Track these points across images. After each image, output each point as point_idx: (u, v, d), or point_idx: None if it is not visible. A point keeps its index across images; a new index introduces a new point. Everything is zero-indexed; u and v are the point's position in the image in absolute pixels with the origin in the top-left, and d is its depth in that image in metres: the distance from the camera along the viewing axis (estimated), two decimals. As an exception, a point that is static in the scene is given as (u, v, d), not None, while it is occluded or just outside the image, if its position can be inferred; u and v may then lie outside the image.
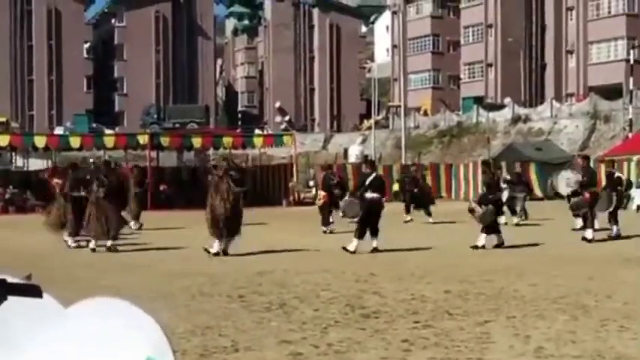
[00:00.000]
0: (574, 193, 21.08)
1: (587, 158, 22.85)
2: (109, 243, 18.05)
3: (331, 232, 22.74)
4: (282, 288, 11.89)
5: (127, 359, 1.45)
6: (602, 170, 28.42)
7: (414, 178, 29.64)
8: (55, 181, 20.03)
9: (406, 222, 26.57)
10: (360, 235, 17.11)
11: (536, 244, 18.41)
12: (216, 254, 16.48)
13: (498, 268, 14.06)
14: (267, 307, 10.18)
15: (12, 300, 1.46)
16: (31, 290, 1.54)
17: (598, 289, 11.40)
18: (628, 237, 20.45)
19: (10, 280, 1.48)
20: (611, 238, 19.70)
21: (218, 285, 12.31)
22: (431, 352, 7.64)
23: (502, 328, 8.74)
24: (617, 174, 22.57)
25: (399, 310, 9.93)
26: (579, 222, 21.72)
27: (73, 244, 19.12)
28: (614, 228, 20.39)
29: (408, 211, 27.85)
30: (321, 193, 24.55)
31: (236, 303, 10.60)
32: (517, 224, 24.16)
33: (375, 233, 17.17)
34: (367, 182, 17.81)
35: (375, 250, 16.87)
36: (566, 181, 23.41)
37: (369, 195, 17.49)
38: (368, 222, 17.28)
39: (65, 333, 1.51)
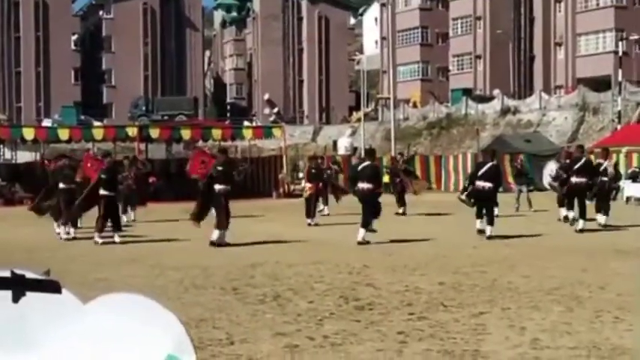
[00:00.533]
0: (561, 183, 21.32)
1: (581, 148, 22.87)
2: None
3: (316, 225, 22.67)
4: (276, 280, 11.87)
5: (146, 356, 1.42)
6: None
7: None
8: (89, 166, 19.89)
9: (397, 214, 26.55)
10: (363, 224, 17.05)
11: (529, 236, 18.43)
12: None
13: (492, 259, 14.07)
14: (261, 300, 10.16)
15: (30, 295, 1.42)
16: (50, 286, 1.51)
17: (592, 281, 11.42)
18: (620, 228, 20.53)
19: (29, 275, 1.45)
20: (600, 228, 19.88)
21: (211, 277, 12.27)
22: (426, 344, 7.63)
23: (497, 320, 8.74)
24: (605, 164, 22.59)
25: (393, 301, 9.91)
26: (563, 211, 21.97)
27: (67, 236, 19.12)
28: (600, 218, 20.51)
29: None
30: (307, 185, 24.44)
31: (230, 295, 10.57)
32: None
33: (363, 224, 17.03)
34: (358, 171, 17.74)
35: (361, 243, 16.75)
36: (548, 172, 23.70)
37: (360, 185, 17.32)
38: (362, 211, 17.19)
39: (83, 329, 1.47)
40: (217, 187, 17.17)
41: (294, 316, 9.06)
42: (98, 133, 41.07)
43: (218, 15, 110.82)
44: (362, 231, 16.96)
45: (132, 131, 39.96)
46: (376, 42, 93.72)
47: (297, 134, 70.15)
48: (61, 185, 19.54)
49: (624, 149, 39.91)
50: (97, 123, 62.45)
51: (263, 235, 18.50)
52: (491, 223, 17.89)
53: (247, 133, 43.88)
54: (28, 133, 40.28)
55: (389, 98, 62.99)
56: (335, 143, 63.58)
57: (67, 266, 14.02)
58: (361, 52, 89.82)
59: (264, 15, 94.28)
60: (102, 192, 18.32)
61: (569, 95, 60.37)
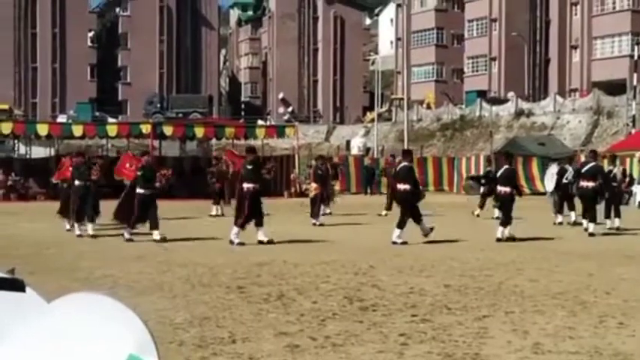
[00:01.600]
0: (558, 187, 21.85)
1: (593, 152, 22.88)
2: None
3: (321, 225, 22.61)
4: (281, 279, 11.89)
5: (108, 355, 1.43)
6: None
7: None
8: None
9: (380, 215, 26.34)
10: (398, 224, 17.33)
11: (536, 239, 18.38)
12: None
13: (499, 262, 14.05)
14: (266, 299, 10.18)
15: (-8, 294, 1.44)
16: (13, 284, 1.52)
17: (598, 286, 11.38)
18: (630, 233, 20.46)
19: (-8, 274, 1.47)
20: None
21: (217, 275, 12.30)
22: (428, 347, 7.63)
23: (500, 324, 8.72)
24: (614, 170, 22.76)
25: (397, 303, 9.91)
26: (559, 218, 22.82)
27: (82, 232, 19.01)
28: (610, 222, 20.85)
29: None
30: (313, 185, 24.39)
31: (235, 294, 10.59)
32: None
33: (398, 225, 17.25)
34: (395, 172, 18.35)
35: (395, 243, 16.95)
36: (549, 176, 23.89)
37: (400, 186, 17.61)
38: (400, 212, 17.57)
39: (45, 328, 1.49)
40: (246, 185, 17.22)
41: (298, 315, 9.07)
42: (112, 130, 41.22)
43: (234, 13, 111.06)
44: (397, 231, 17.15)
45: (146, 128, 40.07)
46: (391, 42, 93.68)
47: (310, 133, 70.19)
48: (77, 182, 19.43)
49: (638, 154, 39.76)
50: (111, 119, 62.68)
51: (272, 234, 18.50)
52: (504, 224, 18.05)
53: (260, 132, 43.93)
54: (42, 129, 40.46)
55: (403, 99, 62.94)
56: (348, 143, 63.60)
57: (75, 262, 14.10)
58: (376, 52, 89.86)
59: (280, 14, 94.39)
60: (139, 190, 18.13)
61: (584, 98, 60.17)
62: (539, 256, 14.98)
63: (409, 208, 17.33)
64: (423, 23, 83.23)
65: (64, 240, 18.27)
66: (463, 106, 68.99)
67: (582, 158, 38.60)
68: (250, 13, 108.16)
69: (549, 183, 24.56)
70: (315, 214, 23.36)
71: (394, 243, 16.94)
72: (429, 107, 73.17)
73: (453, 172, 46.96)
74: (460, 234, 18.86)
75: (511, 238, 17.77)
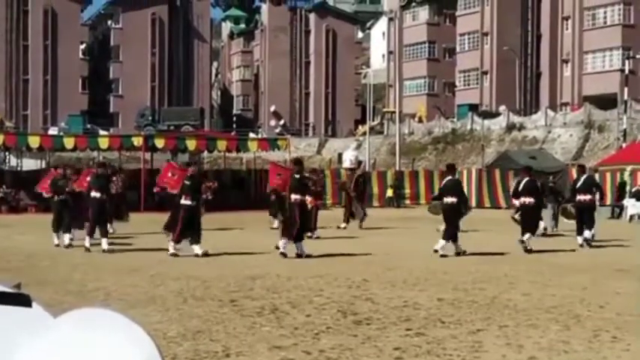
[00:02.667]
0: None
1: (582, 167, 23.41)
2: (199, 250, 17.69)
3: (317, 238, 22.52)
4: (274, 293, 11.85)
5: (117, 372, 1.42)
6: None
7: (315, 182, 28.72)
8: (209, 184, 19.28)
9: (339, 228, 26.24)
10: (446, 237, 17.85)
11: (529, 252, 18.38)
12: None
13: (492, 276, 14.04)
14: (259, 312, 10.14)
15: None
16: (20, 299, 1.51)
17: (591, 299, 11.38)
18: (623, 247, 20.50)
19: (-1, 289, 1.45)
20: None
21: (210, 289, 12.26)
22: (423, 361, 7.61)
23: (494, 337, 8.71)
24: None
25: (391, 317, 9.89)
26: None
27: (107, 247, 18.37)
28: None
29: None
30: (308, 198, 24.32)
31: (228, 307, 10.55)
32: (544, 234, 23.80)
33: (445, 237, 17.81)
34: (442, 187, 18.88)
35: (457, 254, 17.47)
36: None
37: (445, 199, 18.20)
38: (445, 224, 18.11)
39: (53, 344, 1.47)
40: (293, 197, 17.47)
41: (291, 329, 9.04)
42: (104, 142, 41.11)
43: (226, 26, 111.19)
44: (442, 242, 17.74)
45: (137, 141, 39.97)
46: (383, 56, 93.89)
47: (302, 146, 70.22)
48: (93, 194, 18.68)
49: (629, 168, 39.84)
50: (103, 132, 62.58)
51: (264, 247, 18.47)
52: (531, 231, 18.86)
53: (252, 145, 43.90)
54: (34, 141, 40.34)
55: (395, 112, 63.06)
56: (340, 156, 63.60)
57: (68, 275, 14.04)
58: (368, 65, 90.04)
59: (272, 27, 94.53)
60: (184, 201, 17.60)
61: (575, 112, 60.39)
62: (532, 270, 14.98)
63: (454, 221, 18.00)
64: (414, 37, 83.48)
65: (56, 252, 18.19)
66: (455, 120, 69.14)
67: (574, 172, 38.73)
68: (242, 26, 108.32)
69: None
70: (311, 227, 23.28)
71: (436, 251, 17.54)
72: (420, 121, 73.30)
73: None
74: (453, 248, 18.81)
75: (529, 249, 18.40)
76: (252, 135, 64.54)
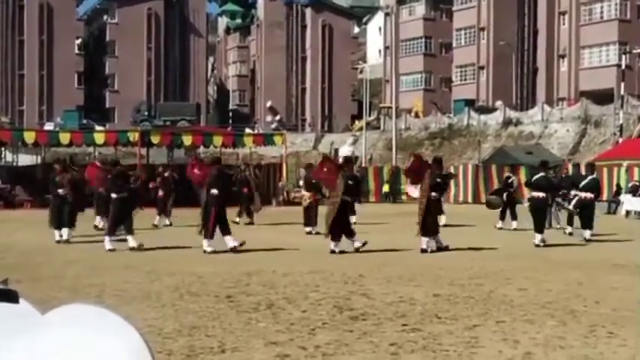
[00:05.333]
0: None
1: (591, 166, 24.35)
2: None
3: (317, 233, 22.56)
4: (271, 289, 11.83)
5: (102, 369, 1.38)
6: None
7: (244, 178, 28.57)
8: (196, 172, 19.03)
9: (235, 222, 25.89)
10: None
11: (525, 248, 18.39)
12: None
13: (488, 271, 14.03)
14: (255, 308, 10.12)
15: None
16: (6, 295, 1.48)
17: (588, 295, 11.38)
18: (619, 242, 20.52)
19: (-15, 285, 1.42)
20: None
21: (206, 285, 12.24)
22: (419, 356, 7.59)
23: (491, 333, 8.69)
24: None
25: (387, 312, 9.87)
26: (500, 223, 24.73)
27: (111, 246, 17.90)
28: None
29: (239, 214, 27.32)
30: (306, 194, 24.41)
31: (224, 303, 10.53)
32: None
33: (537, 230, 18.86)
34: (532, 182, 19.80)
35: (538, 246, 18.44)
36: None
37: (534, 194, 19.38)
38: (534, 219, 19.03)
39: (41, 342, 1.44)
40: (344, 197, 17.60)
41: (287, 325, 9.02)
42: (99, 138, 41.11)
43: (222, 21, 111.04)
44: (538, 236, 18.72)
45: (133, 136, 39.97)
46: (379, 51, 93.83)
47: (298, 142, 70.20)
48: (114, 195, 18.34)
49: (625, 163, 39.91)
50: (99, 127, 62.51)
51: (261, 243, 18.46)
52: (540, 231, 19.18)
53: (248, 140, 43.91)
54: (29, 137, 40.32)
55: (391, 107, 63.08)
56: (336, 151, 63.62)
57: (62, 271, 14.01)
58: (364, 60, 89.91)
59: (268, 22, 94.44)
60: (213, 191, 17.37)
61: (572, 108, 60.43)
62: (528, 266, 14.98)
63: (542, 215, 19.20)
64: (411, 32, 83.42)
65: (51, 248, 18.16)
66: (451, 115, 69.16)
67: (570, 168, 38.77)
68: (239, 21, 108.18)
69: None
70: (309, 222, 23.32)
71: (537, 246, 18.40)
72: (417, 116, 73.30)
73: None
74: (449, 243, 18.80)
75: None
76: (248, 130, 64.53)
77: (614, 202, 36.36)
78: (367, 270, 14.08)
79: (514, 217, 24.70)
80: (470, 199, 44.21)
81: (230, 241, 17.22)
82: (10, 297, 1.45)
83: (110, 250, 17.45)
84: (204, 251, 16.96)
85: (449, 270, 14.16)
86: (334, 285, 12.27)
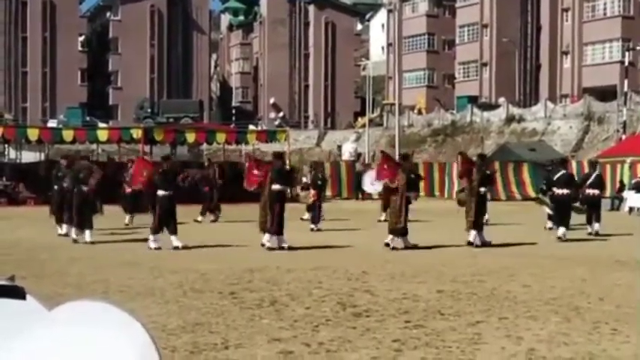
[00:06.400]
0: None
1: (594, 163, 24.99)
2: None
3: (319, 230, 22.66)
4: (274, 285, 11.84)
5: (109, 364, 1.39)
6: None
7: (205, 177, 28.15)
8: (256, 173, 18.84)
9: (197, 221, 25.80)
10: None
11: (529, 245, 18.39)
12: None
13: (491, 268, 14.03)
14: (259, 305, 10.13)
15: (-8, 302, 1.40)
16: (14, 292, 1.49)
17: (591, 291, 11.37)
18: (622, 239, 20.51)
19: (-8, 281, 1.43)
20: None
21: (209, 281, 12.25)
22: (422, 353, 7.59)
23: (494, 329, 8.69)
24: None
25: (390, 309, 9.88)
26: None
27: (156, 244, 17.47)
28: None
29: (202, 214, 26.98)
30: (311, 191, 24.60)
31: (227, 300, 10.54)
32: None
33: (564, 224, 19.64)
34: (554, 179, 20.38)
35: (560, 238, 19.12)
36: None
37: (557, 190, 19.97)
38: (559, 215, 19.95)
39: (48, 337, 1.45)
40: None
41: (291, 321, 9.03)
42: (102, 135, 41.10)
43: (225, 18, 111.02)
44: (562, 229, 19.36)
45: (136, 133, 39.93)
46: (382, 48, 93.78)
47: (301, 139, 70.19)
48: (161, 193, 17.49)
49: (629, 159, 39.87)
50: (102, 124, 62.55)
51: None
52: (566, 225, 19.75)
53: (251, 137, 43.87)
54: (33, 134, 40.33)
55: (394, 104, 62.98)
56: (339, 148, 63.61)
57: (67, 267, 14.03)
58: (367, 57, 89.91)
59: (271, 19, 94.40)
60: (275, 187, 17.35)
61: (575, 104, 60.35)
62: (532, 262, 14.97)
63: (567, 211, 19.84)
64: (414, 29, 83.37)
65: (55, 245, 18.17)
66: (454, 112, 69.09)
67: (573, 164, 38.74)
68: (241, 18, 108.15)
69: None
70: (315, 219, 23.39)
71: (559, 239, 19.03)
72: (420, 113, 73.25)
73: (445, 178, 46.94)
74: (452, 240, 18.82)
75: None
76: (251, 127, 64.51)
77: (618, 199, 36.33)
78: (370, 267, 14.08)
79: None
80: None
81: (281, 242, 17.23)
82: (17, 293, 1.46)
83: (156, 249, 16.93)
84: (263, 245, 17.06)
85: (452, 267, 14.16)
86: (337, 281, 12.28)
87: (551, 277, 12.99)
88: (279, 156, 19.09)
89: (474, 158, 20.09)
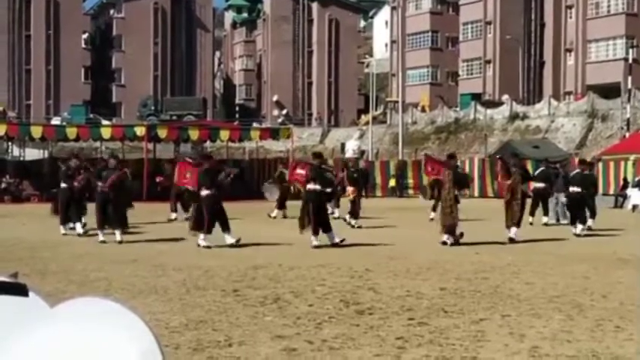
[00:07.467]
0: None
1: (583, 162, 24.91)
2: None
3: (359, 227, 22.57)
4: (277, 283, 11.85)
5: (113, 363, 1.39)
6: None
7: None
8: (299, 172, 18.68)
9: (170, 220, 25.57)
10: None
11: (532, 242, 18.38)
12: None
13: (494, 265, 14.03)
14: (262, 302, 10.14)
15: (-5, 298, 1.40)
16: (16, 288, 1.48)
17: (594, 289, 11.37)
18: (625, 237, 20.49)
19: (-5, 278, 1.43)
20: None
21: (213, 279, 12.26)
22: (425, 350, 7.60)
23: (497, 327, 8.70)
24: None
25: (393, 306, 9.88)
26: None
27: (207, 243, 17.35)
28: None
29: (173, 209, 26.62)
30: (349, 188, 24.62)
31: (230, 297, 10.55)
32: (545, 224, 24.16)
33: (581, 221, 20.33)
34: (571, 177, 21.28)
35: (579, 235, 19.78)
36: None
37: (572, 189, 20.70)
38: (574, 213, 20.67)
39: (50, 334, 1.45)
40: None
41: (294, 319, 9.04)
42: (106, 132, 41.17)
43: (229, 16, 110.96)
44: (579, 226, 20.03)
45: (140, 131, 40.00)
46: (386, 45, 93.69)
47: (305, 136, 70.16)
48: (204, 192, 17.33)
49: (632, 157, 39.80)
50: (105, 122, 62.59)
51: (267, 237, 18.48)
52: (583, 222, 20.45)
53: (255, 135, 43.89)
54: (36, 132, 40.41)
55: (397, 102, 63.00)
56: (343, 146, 63.59)
57: (71, 264, 14.05)
58: (371, 55, 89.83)
59: (275, 17, 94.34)
60: (311, 186, 17.44)
61: (579, 102, 60.24)
62: (535, 260, 14.96)
63: (582, 208, 20.52)
64: (417, 26, 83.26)
65: (58, 242, 18.20)
66: (458, 109, 69.01)
67: (577, 162, 38.67)
68: (245, 15, 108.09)
69: None
70: (355, 214, 23.36)
71: (578, 235, 19.69)
72: (423, 110, 73.17)
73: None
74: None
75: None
76: (254, 124, 64.53)
77: (621, 196, 36.29)
78: (374, 264, 14.09)
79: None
80: (476, 194, 44.14)
81: (331, 238, 17.26)
82: (20, 290, 1.46)
83: (206, 247, 16.75)
84: (314, 246, 16.93)
85: (455, 264, 14.16)
86: (340, 279, 12.28)
87: (554, 274, 12.99)
88: (318, 155, 19.04)
89: (497, 157, 21.14)
